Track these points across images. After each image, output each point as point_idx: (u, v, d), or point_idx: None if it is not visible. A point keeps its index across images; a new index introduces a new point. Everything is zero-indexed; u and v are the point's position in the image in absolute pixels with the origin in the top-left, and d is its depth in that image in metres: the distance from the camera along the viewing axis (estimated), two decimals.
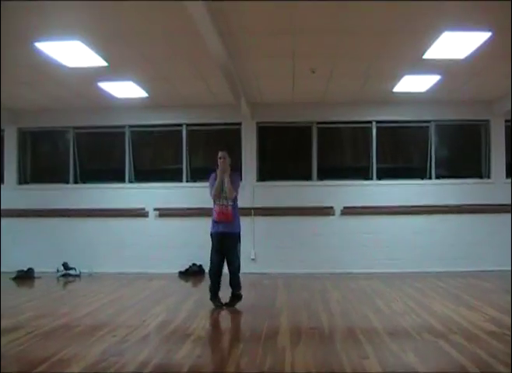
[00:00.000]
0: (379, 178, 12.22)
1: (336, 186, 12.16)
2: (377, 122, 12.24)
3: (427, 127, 12.23)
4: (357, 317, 7.32)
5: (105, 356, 5.37)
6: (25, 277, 11.49)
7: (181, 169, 12.51)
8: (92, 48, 7.84)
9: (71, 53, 7.99)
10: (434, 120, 12.20)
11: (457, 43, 7.74)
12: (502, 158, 12.01)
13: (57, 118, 12.50)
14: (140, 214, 12.32)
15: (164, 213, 12.27)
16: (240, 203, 8.49)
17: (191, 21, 6.24)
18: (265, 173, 12.47)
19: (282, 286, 10.20)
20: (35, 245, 12.18)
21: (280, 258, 11.88)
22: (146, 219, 12.34)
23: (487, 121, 12.11)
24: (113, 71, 9.21)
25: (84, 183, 12.73)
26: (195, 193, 11.79)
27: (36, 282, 11.27)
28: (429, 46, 7.88)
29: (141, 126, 12.61)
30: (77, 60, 8.35)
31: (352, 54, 8.44)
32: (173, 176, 12.56)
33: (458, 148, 12.62)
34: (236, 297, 8.18)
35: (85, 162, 12.87)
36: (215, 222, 8.15)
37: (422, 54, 8.32)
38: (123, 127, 12.60)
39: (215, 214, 8.13)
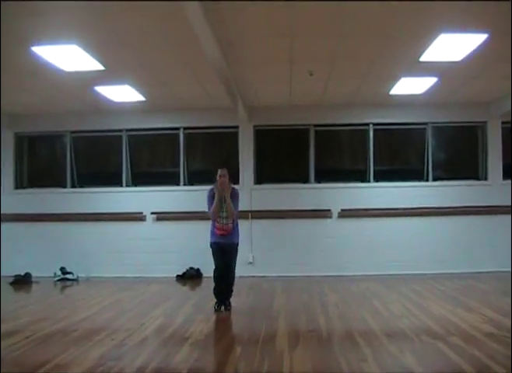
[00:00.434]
0: (376, 180, 12.22)
1: (333, 188, 12.15)
2: (374, 124, 12.24)
3: (424, 129, 12.24)
4: (355, 319, 7.32)
5: (103, 360, 5.37)
6: (22, 281, 11.47)
7: (178, 172, 12.50)
8: (89, 52, 7.83)
9: (67, 57, 7.97)
10: (431, 122, 12.20)
11: (453, 45, 7.74)
12: (499, 159, 12.01)
13: (54, 122, 12.48)
14: (137, 217, 12.30)
15: (161, 217, 12.26)
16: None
17: (188, 25, 6.23)
18: (263, 176, 12.46)
19: (280, 289, 10.19)
20: (32, 250, 12.16)
21: (278, 261, 11.87)
22: (144, 223, 12.32)
23: (484, 123, 12.12)
24: (110, 75, 9.20)
25: (81, 187, 12.71)
26: (193, 197, 11.78)
27: (34, 287, 11.25)
28: (426, 48, 7.89)
29: (138, 129, 12.60)
30: (74, 64, 8.34)
31: (349, 56, 8.44)
32: (171, 179, 12.54)
33: (455, 150, 12.62)
34: (228, 304, 8.17)
35: (82, 166, 12.85)
36: (214, 235, 8.13)
37: (419, 57, 8.32)
38: (120, 130, 12.59)
39: (215, 229, 8.10)
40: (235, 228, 8.18)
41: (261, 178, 12.42)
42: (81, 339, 6.39)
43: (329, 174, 12.47)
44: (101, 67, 8.60)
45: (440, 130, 12.32)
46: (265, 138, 12.63)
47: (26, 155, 13.04)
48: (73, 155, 12.73)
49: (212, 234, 8.16)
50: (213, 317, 7.71)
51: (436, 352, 5.52)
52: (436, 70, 9.21)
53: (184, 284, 11.24)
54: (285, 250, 11.92)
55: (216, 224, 8.09)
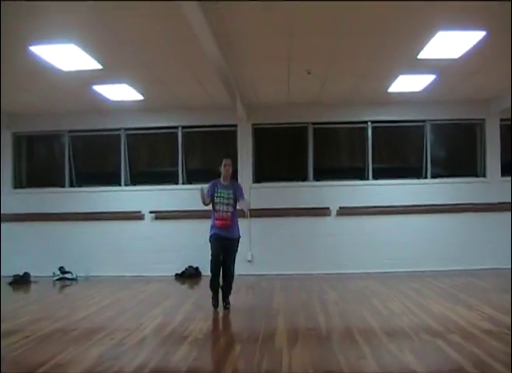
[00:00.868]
0: (375, 178, 12.22)
1: (332, 186, 12.16)
2: (373, 122, 12.24)
3: (423, 126, 12.24)
4: (354, 317, 7.32)
5: (102, 359, 5.36)
6: (21, 281, 11.46)
7: (177, 171, 12.50)
8: (86, 51, 7.82)
9: (65, 56, 7.96)
10: (429, 120, 12.21)
11: (451, 43, 7.73)
12: (497, 156, 12.02)
13: (52, 121, 12.47)
14: (136, 216, 12.30)
15: (160, 215, 12.26)
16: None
17: (187, 24, 6.22)
18: (261, 174, 12.46)
19: (279, 287, 10.19)
20: (31, 250, 12.15)
21: (277, 259, 11.87)
22: (142, 222, 12.32)
23: (482, 120, 12.12)
24: (108, 74, 9.19)
25: (79, 186, 12.70)
26: (191, 196, 11.65)
27: (33, 286, 11.25)
28: (424, 46, 7.88)
29: (136, 128, 12.59)
30: (72, 63, 8.32)
31: (347, 54, 8.44)
32: (169, 178, 12.54)
33: (454, 148, 12.62)
34: (226, 300, 8.17)
35: (80, 166, 12.85)
36: (215, 227, 8.12)
37: (417, 54, 8.32)
38: (118, 129, 12.58)
39: (215, 221, 8.10)
40: (235, 221, 8.16)
41: (259, 176, 12.42)
42: (80, 338, 6.38)
43: (328, 172, 12.47)
44: (99, 67, 8.59)
45: (439, 128, 12.32)
46: (264, 137, 12.63)
47: (25, 155, 13.03)
48: (71, 154, 12.72)
49: (212, 227, 8.15)
50: (212, 315, 7.71)
51: (435, 350, 5.52)
52: (434, 67, 9.20)
53: (183, 283, 11.24)
54: (284, 248, 11.92)
55: (216, 214, 8.08)
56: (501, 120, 11.97)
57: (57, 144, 12.92)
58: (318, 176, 12.34)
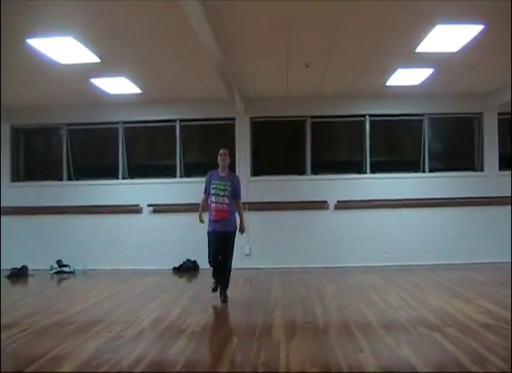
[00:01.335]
0: (373, 171, 12.22)
1: (330, 180, 12.16)
2: (371, 116, 12.24)
3: (421, 120, 12.24)
4: (352, 311, 7.33)
5: (100, 352, 5.37)
6: (19, 274, 11.47)
7: (175, 164, 12.49)
8: (84, 44, 7.81)
9: (63, 49, 7.95)
10: (428, 114, 12.21)
11: (449, 37, 7.74)
12: (495, 151, 12.02)
13: (50, 115, 12.46)
14: (134, 210, 12.30)
15: (158, 209, 12.26)
16: None
17: (185, 17, 6.22)
18: (259, 168, 12.45)
19: (277, 281, 10.20)
20: (28, 243, 12.16)
21: (275, 253, 11.88)
22: (140, 215, 12.32)
23: (480, 114, 12.12)
24: (106, 67, 9.18)
25: (77, 179, 12.70)
26: (189, 189, 11.77)
27: (30, 279, 11.26)
28: (422, 39, 7.88)
29: (134, 122, 12.58)
30: (69, 56, 8.31)
31: (346, 48, 8.43)
32: (167, 171, 12.54)
33: (452, 141, 12.63)
34: (223, 296, 8.21)
35: (78, 159, 12.84)
36: (211, 221, 8.15)
37: (415, 48, 8.32)
38: (116, 123, 12.57)
39: (212, 213, 8.13)
40: (232, 212, 8.17)
41: (257, 170, 12.42)
42: (78, 331, 6.39)
43: (326, 165, 12.48)
44: (97, 60, 8.59)
45: (437, 122, 12.31)
46: (262, 130, 12.62)
47: (23, 148, 13.02)
48: (69, 147, 12.71)
49: (209, 222, 8.19)
50: (210, 309, 7.72)
51: (432, 343, 5.53)
52: (432, 61, 9.20)
53: (181, 276, 11.25)
54: (281, 242, 11.92)
55: (212, 205, 8.11)
56: (499, 114, 11.98)
57: (56, 137, 12.90)
58: (316, 170, 12.34)
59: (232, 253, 8.22)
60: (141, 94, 11.22)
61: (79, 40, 7.62)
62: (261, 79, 10.50)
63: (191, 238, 11.60)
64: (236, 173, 11.17)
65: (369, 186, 12.06)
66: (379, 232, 11.91)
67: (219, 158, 8.24)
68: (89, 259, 12.01)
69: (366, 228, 11.95)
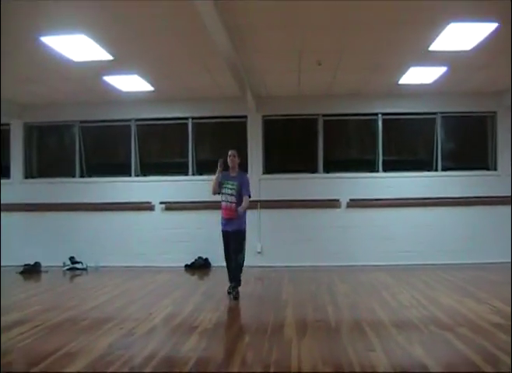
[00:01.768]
0: (385, 170, 12.18)
1: (342, 178, 12.13)
2: (383, 114, 12.20)
3: (433, 119, 12.18)
4: (363, 309, 7.32)
5: (112, 349, 5.40)
6: (32, 270, 11.53)
7: (187, 162, 12.50)
8: (97, 42, 7.83)
9: (76, 47, 7.97)
10: (440, 112, 12.15)
11: (463, 35, 7.69)
12: (508, 150, 11.93)
13: (62, 112, 12.50)
14: (146, 207, 12.33)
15: (170, 206, 12.28)
16: None
17: (198, 15, 6.21)
18: (271, 166, 12.43)
19: (288, 279, 10.21)
20: (41, 239, 12.22)
21: (286, 251, 11.87)
22: (152, 213, 12.35)
23: (494, 113, 12.05)
24: (118, 65, 9.19)
25: (90, 176, 12.75)
26: (201, 187, 11.76)
27: (43, 276, 11.32)
28: (435, 37, 7.84)
29: (146, 119, 12.60)
30: (82, 54, 8.34)
31: (358, 46, 8.40)
32: (179, 169, 12.55)
33: (465, 140, 12.55)
34: (233, 289, 8.29)
35: (91, 156, 12.88)
36: (222, 220, 8.43)
37: (428, 46, 8.28)
38: (129, 120, 12.60)
39: (222, 211, 8.41)
40: (242, 213, 8.29)
41: (269, 168, 12.40)
42: (90, 328, 6.43)
43: (338, 164, 12.45)
44: (110, 57, 8.60)
45: (450, 120, 12.25)
46: (274, 128, 12.61)
47: (36, 145, 13.08)
48: (82, 144, 12.75)
49: (221, 220, 8.45)
50: (222, 306, 7.73)
51: (444, 342, 5.52)
52: (445, 59, 9.15)
53: (193, 274, 11.27)
54: (293, 240, 11.91)
55: (222, 204, 8.38)
56: None
57: (68, 134, 12.94)
58: (328, 168, 12.31)
59: (240, 252, 8.32)
60: (153, 91, 11.24)
61: (92, 38, 7.64)
62: (273, 77, 10.49)
63: (203, 236, 11.65)
64: (248, 171, 11.25)
65: (382, 184, 12.02)
66: (391, 231, 11.88)
67: (228, 159, 8.43)
68: (101, 256, 12.05)
69: (378, 226, 11.92)
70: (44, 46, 7.84)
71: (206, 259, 11.88)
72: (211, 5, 5.95)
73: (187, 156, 12.51)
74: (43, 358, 5.03)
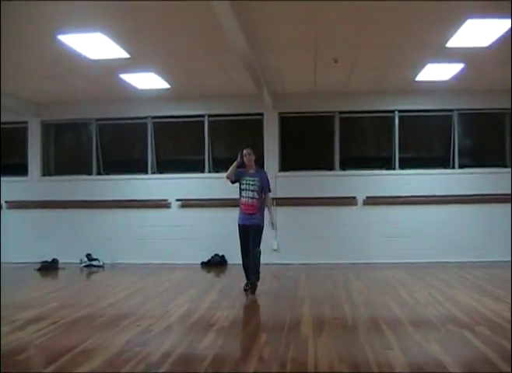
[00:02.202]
0: (401, 168, 12.13)
1: (358, 176, 12.10)
2: (400, 111, 12.14)
3: (450, 116, 12.11)
4: (380, 307, 7.30)
5: (129, 346, 5.41)
6: (49, 267, 11.61)
7: (203, 159, 12.52)
8: (114, 40, 7.86)
9: (93, 45, 8.02)
10: (457, 109, 12.07)
11: (480, 31, 7.63)
12: None
13: (79, 110, 12.58)
14: (162, 204, 12.36)
15: (186, 204, 12.31)
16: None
17: (213, 13, 6.21)
18: (287, 163, 12.42)
19: (305, 276, 10.20)
20: (59, 237, 12.31)
21: (302, 248, 11.85)
22: (169, 210, 12.38)
23: (511, 110, 11.95)
24: (135, 63, 9.23)
25: (107, 174, 12.80)
26: (217, 184, 11.77)
27: (60, 273, 11.39)
28: (453, 34, 7.79)
29: (163, 117, 12.64)
30: (99, 52, 8.38)
31: (375, 43, 8.37)
32: (196, 166, 12.57)
33: (482, 137, 12.48)
34: (251, 284, 8.34)
35: (107, 154, 12.94)
36: (240, 214, 8.48)
37: (446, 43, 8.23)
38: (145, 118, 12.64)
39: (241, 206, 8.46)
40: (261, 208, 8.41)
41: (285, 165, 12.39)
42: (107, 325, 6.46)
43: (354, 161, 12.43)
44: (126, 55, 8.64)
45: (467, 117, 12.18)
46: (290, 125, 12.61)
47: (53, 143, 13.17)
48: (99, 142, 12.81)
49: (239, 214, 8.50)
50: (238, 304, 7.74)
51: (462, 341, 5.48)
52: (462, 56, 9.09)
53: (209, 271, 11.29)
54: (309, 237, 11.91)
55: (242, 199, 8.43)
56: None
57: (85, 132, 13.03)
58: (344, 166, 12.29)
59: (258, 246, 8.35)
60: (169, 89, 11.26)
61: (109, 36, 7.67)
62: (289, 74, 10.48)
63: (219, 233, 11.67)
64: (265, 169, 11.20)
65: (398, 182, 11.97)
66: (407, 229, 11.84)
67: (244, 158, 8.45)
68: (118, 253, 12.11)
69: (395, 224, 11.88)
70: (61, 44, 7.88)
71: (222, 257, 11.91)
72: (227, 3, 5.95)
73: (203, 154, 12.52)
74: (60, 355, 5.05)
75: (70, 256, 12.01)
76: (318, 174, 12.22)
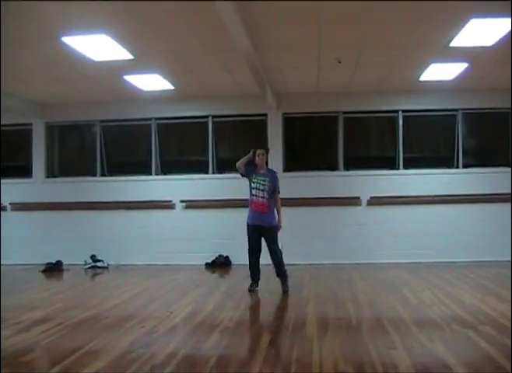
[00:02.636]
0: (406, 167, 12.13)
1: (363, 176, 12.10)
2: (404, 111, 12.14)
3: (454, 115, 12.10)
4: (384, 307, 7.29)
5: (133, 347, 5.41)
6: (53, 269, 11.62)
7: (207, 160, 12.52)
8: (118, 42, 7.89)
9: (97, 46, 8.04)
10: (461, 109, 12.06)
11: (484, 30, 7.63)
12: None
13: (83, 111, 12.60)
14: (167, 206, 12.38)
15: (191, 205, 12.31)
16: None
17: (216, 13, 6.22)
18: (291, 164, 12.42)
19: (309, 277, 10.20)
20: (63, 238, 12.33)
21: (306, 249, 11.84)
22: (173, 211, 12.39)
23: None
24: (139, 64, 9.25)
25: (111, 175, 12.82)
26: (221, 185, 11.87)
27: (65, 274, 11.40)
28: (456, 33, 7.79)
29: (167, 118, 12.66)
30: (103, 53, 8.41)
31: (378, 42, 8.37)
32: (200, 167, 12.57)
33: (486, 137, 12.47)
34: (283, 282, 8.54)
35: (111, 155, 12.96)
36: (250, 213, 8.54)
37: (449, 42, 8.23)
38: (149, 119, 12.66)
39: (251, 205, 8.51)
40: (271, 208, 8.49)
41: (289, 165, 12.39)
42: (112, 326, 6.47)
43: (358, 161, 12.43)
44: (130, 57, 8.66)
45: (471, 117, 12.16)
46: (294, 126, 12.63)
47: (57, 145, 13.20)
48: (103, 143, 12.84)
49: (249, 213, 8.55)
50: (243, 304, 7.74)
51: (466, 341, 5.47)
52: (466, 55, 9.09)
53: (213, 272, 11.30)
54: (314, 238, 11.90)
55: (253, 198, 8.46)
56: None
57: (89, 133, 13.05)
58: (349, 166, 12.29)
59: (277, 248, 8.53)
60: (173, 90, 11.28)
61: (113, 38, 7.70)
62: (292, 75, 10.49)
63: (223, 234, 11.69)
64: None
65: (402, 182, 11.96)
66: (412, 229, 11.83)
67: (257, 158, 8.53)
68: (122, 254, 12.13)
69: (399, 224, 11.88)
70: (65, 46, 7.91)
71: (227, 257, 11.91)
72: (230, 3, 5.95)
73: (207, 154, 12.53)
74: (65, 356, 5.05)
75: (74, 258, 12.03)
76: (322, 174, 12.22)
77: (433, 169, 12.08)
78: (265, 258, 8.59)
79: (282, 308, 7.52)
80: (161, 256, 12.08)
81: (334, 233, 11.94)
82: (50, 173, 12.99)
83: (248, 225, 8.52)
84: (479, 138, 12.41)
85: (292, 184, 11.93)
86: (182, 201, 12.32)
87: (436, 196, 11.83)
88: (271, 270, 8.69)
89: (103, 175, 12.84)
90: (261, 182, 8.43)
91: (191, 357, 5.16)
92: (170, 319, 6.73)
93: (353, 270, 10.77)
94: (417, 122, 12.35)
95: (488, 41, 8.13)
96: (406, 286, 8.85)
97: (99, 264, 11.97)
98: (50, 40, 7.67)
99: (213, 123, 12.55)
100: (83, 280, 10.91)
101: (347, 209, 12.08)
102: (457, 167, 12.05)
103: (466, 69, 9.95)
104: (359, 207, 12.05)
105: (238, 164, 8.54)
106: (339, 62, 9.29)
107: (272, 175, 8.67)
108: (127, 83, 10.57)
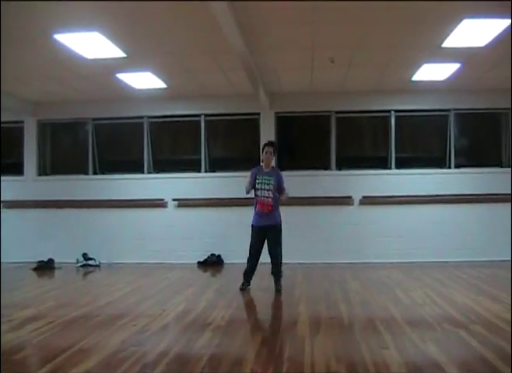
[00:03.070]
0: (398, 167, 12.14)
1: (355, 175, 12.11)
2: (396, 111, 12.15)
3: (447, 115, 12.13)
4: (376, 307, 7.31)
5: (125, 345, 5.41)
6: (45, 267, 11.59)
7: (200, 159, 12.51)
8: (110, 39, 7.86)
9: (90, 44, 8.02)
10: (454, 109, 12.08)
11: (477, 31, 7.65)
12: None
13: (76, 109, 12.56)
14: (159, 204, 12.36)
15: (183, 203, 12.30)
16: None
17: (211, 12, 6.22)
18: (284, 163, 12.39)
19: (301, 276, 10.20)
20: (55, 236, 12.29)
21: (299, 248, 11.82)
22: (165, 209, 12.37)
23: (508, 110, 11.95)
24: (132, 63, 9.22)
25: (103, 173, 12.79)
26: (214, 184, 11.87)
27: (57, 272, 11.36)
28: (449, 34, 7.81)
29: (159, 116, 12.64)
30: (96, 51, 8.38)
31: (371, 43, 8.38)
32: (192, 166, 12.55)
33: (478, 137, 12.49)
34: (276, 281, 8.57)
35: (104, 153, 12.93)
36: (256, 214, 8.49)
37: (442, 42, 8.25)
38: (141, 117, 12.63)
39: (256, 206, 8.46)
40: (276, 206, 8.48)
41: (281, 165, 12.32)
42: (103, 324, 6.46)
43: (351, 161, 12.42)
44: (123, 55, 8.64)
45: (463, 117, 12.19)
46: (287, 125, 12.60)
47: (49, 143, 13.15)
48: (95, 142, 12.80)
49: (254, 215, 8.52)
50: (235, 303, 7.73)
51: (458, 340, 5.49)
52: (459, 56, 9.12)
53: (206, 271, 11.28)
54: (306, 237, 11.90)
55: (257, 199, 8.45)
56: None
57: (81, 131, 12.99)
58: (341, 165, 12.29)
59: (280, 245, 8.57)
60: (166, 89, 11.26)
61: (105, 36, 7.67)
62: (285, 74, 10.48)
63: (215, 233, 11.69)
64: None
65: (395, 182, 11.98)
66: (404, 228, 11.85)
67: (264, 155, 8.55)
68: (114, 252, 12.11)
69: (391, 224, 11.90)
70: (58, 43, 7.88)
71: (219, 256, 11.91)
72: (224, 3, 5.95)
73: (199, 153, 12.51)
74: (57, 354, 5.05)
75: (66, 256, 11.99)
76: (314, 173, 12.22)
77: (425, 169, 12.09)
78: (262, 257, 8.60)
79: (274, 307, 7.52)
80: (153, 254, 12.07)
81: (326, 233, 11.95)
82: (42, 171, 12.94)
83: (253, 227, 8.49)
84: (471, 138, 12.43)
85: (284, 183, 11.93)
86: (174, 200, 12.30)
87: (428, 196, 11.84)
88: (264, 268, 8.70)
89: (95, 173, 12.81)
90: (266, 181, 8.42)
91: (182, 355, 5.17)
92: (161, 318, 6.72)
93: (346, 270, 10.78)
94: (409, 122, 12.37)
95: (480, 42, 8.15)
96: (398, 286, 8.87)
97: (91, 262, 11.94)
98: (43, 37, 7.64)
99: (206, 122, 12.53)
100: (75, 278, 10.88)
101: (339, 208, 12.08)
102: (450, 167, 12.07)
103: (458, 69, 9.97)
104: (351, 207, 12.06)
105: (246, 190, 8.51)
106: (332, 62, 9.31)
107: (277, 173, 8.66)
108: (119, 81, 10.54)
